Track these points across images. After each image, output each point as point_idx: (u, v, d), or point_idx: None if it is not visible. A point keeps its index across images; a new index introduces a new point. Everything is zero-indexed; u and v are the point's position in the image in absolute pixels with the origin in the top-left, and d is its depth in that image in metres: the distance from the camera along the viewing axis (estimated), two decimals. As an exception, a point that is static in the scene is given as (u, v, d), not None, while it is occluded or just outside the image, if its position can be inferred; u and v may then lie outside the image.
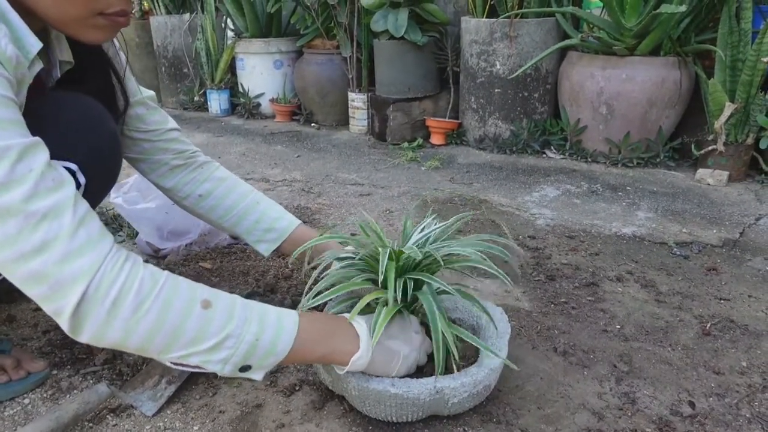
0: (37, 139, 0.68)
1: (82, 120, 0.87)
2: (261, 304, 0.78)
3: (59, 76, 0.89)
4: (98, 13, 0.76)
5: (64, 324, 0.67)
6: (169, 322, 0.69)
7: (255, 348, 0.74)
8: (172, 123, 1.15)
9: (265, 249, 1.15)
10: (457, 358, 0.83)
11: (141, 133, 1.10)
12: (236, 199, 1.14)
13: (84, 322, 0.66)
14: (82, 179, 0.84)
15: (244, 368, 0.76)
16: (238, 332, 0.73)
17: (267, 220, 1.13)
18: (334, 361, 0.83)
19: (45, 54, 0.84)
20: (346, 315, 0.85)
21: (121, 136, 1.02)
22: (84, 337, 0.68)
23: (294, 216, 1.17)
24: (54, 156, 0.79)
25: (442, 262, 0.85)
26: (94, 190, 0.90)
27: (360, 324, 0.84)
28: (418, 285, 0.88)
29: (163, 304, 0.69)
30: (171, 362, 0.74)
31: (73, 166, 0.83)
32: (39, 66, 0.75)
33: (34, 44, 0.72)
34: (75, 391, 0.97)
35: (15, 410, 0.93)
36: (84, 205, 0.69)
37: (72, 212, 0.66)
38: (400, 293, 0.83)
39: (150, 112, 1.10)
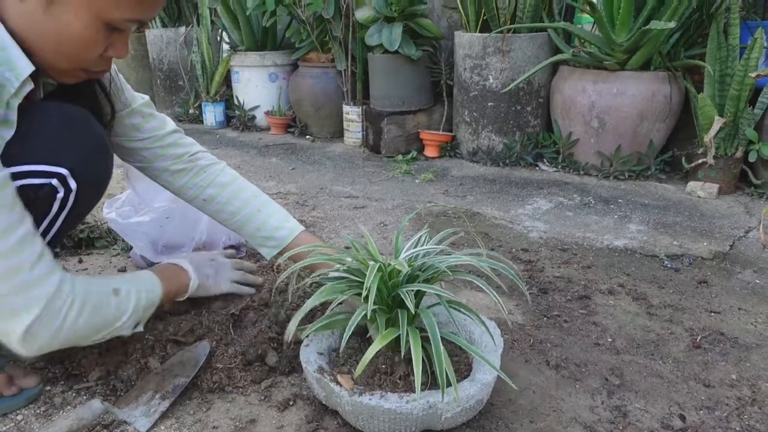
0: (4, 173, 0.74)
1: (68, 125, 0.88)
2: (135, 275, 1.02)
3: (42, 96, 0.91)
4: (83, 68, 0.83)
5: (14, 341, 0.79)
6: (99, 320, 0.87)
7: (146, 310, 0.97)
8: (171, 126, 1.16)
9: (267, 253, 1.17)
10: (453, 377, 0.81)
11: (138, 141, 1.11)
12: (239, 206, 1.16)
13: (36, 339, 0.79)
14: (72, 184, 0.85)
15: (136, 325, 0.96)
16: (136, 303, 0.93)
17: (267, 229, 1.15)
18: (179, 296, 1.10)
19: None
20: (178, 262, 1.13)
21: (114, 145, 1.03)
22: (33, 352, 0.81)
23: (297, 222, 1.18)
24: (43, 162, 0.81)
25: (450, 273, 0.87)
26: (85, 195, 0.90)
27: (184, 262, 1.13)
28: (418, 297, 0.89)
29: (93, 310, 0.85)
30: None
31: (64, 171, 0.83)
32: (29, 87, 0.78)
33: (26, 67, 0.76)
34: (68, 408, 0.97)
35: (8, 426, 0.93)
36: (40, 240, 0.79)
37: (31, 248, 0.76)
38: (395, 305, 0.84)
39: (146, 119, 1.11)
